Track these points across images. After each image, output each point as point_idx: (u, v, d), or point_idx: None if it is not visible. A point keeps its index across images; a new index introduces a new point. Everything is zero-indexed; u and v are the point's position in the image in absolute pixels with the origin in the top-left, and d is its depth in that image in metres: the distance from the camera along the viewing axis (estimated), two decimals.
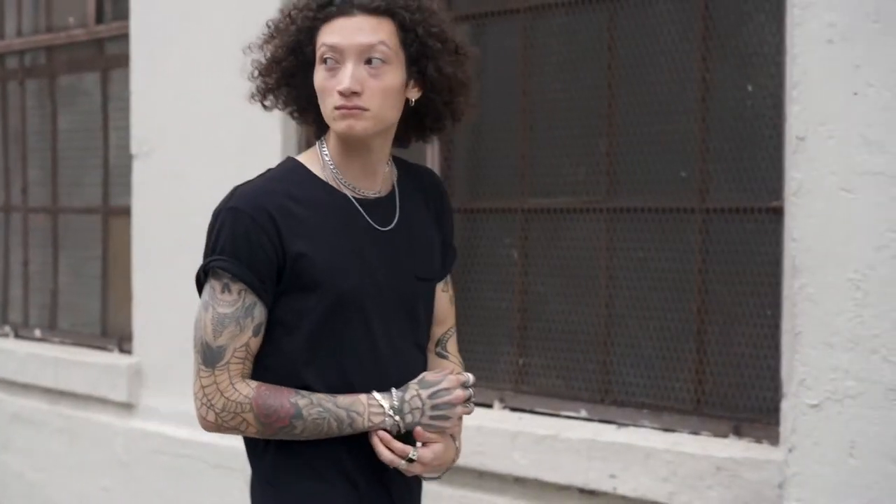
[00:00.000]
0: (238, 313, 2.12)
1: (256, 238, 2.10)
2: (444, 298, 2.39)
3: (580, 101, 4.00)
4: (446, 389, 2.19)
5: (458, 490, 4.07)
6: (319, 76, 2.17)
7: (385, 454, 2.15)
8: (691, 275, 3.74)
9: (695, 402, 3.73)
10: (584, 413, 3.94)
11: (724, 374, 3.68)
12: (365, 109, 2.13)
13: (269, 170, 2.25)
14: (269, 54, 2.24)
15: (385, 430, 2.15)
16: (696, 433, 3.68)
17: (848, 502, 3.11)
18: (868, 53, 3.05)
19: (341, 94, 2.12)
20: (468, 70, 2.25)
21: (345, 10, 2.15)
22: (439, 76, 2.19)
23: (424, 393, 2.18)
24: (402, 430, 2.16)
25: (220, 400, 2.12)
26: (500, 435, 3.98)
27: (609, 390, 3.93)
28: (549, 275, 4.11)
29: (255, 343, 2.15)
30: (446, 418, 2.19)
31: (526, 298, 4.15)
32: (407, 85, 2.19)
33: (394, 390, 2.17)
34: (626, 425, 3.83)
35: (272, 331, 2.15)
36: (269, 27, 2.26)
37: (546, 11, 4.08)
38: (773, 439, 3.43)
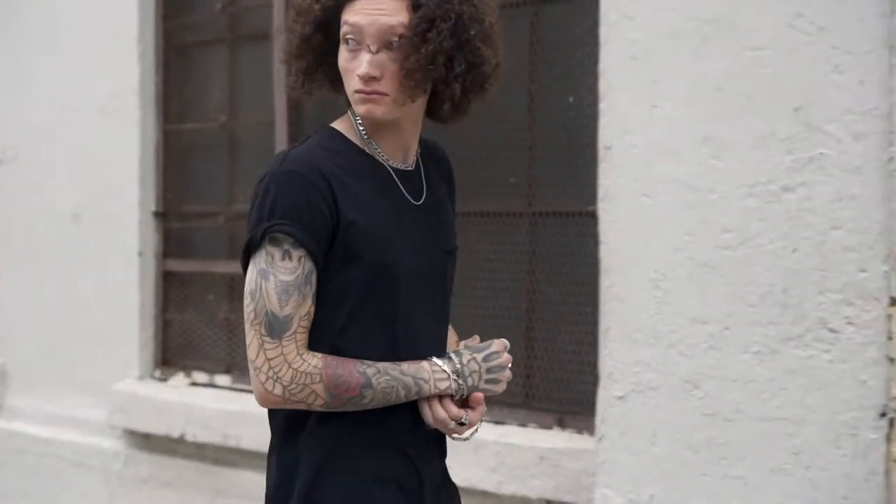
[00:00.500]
0: (299, 281, 2.01)
1: (316, 202, 1.99)
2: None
3: None
4: (496, 353, 2.15)
5: None
6: (342, 56, 2.09)
7: (442, 414, 2.09)
8: (521, 275, 3.95)
9: (523, 395, 3.93)
10: None
11: (550, 369, 3.89)
12: (384, 94, 2.05)
13: (310, 137, 2.13)
14: (296, 35, 2.13)
15: (449, 395, 2.09)
16: (524, 425, 3.89)
17: (650, 488, 3.34)
18: (665, 69, 3.28)
19: (360, 78, 2.05)
20: (487, 56, 2.11)
21: None
22: (456, 56, 2.07)
23: (479, 356, 2.13)
24: (465, 395, 2.11)
25: (287, 372, 2.01)
26: None
27: None
28: None
29: (314, 311, 2.04)
30: (498, 381, 2.16)
31: None
32: (423, 63, 2.05)
33: (452, 354, 2.12)
34: None
35: (321, 301, 2.05)
36: (293, 8, 2.15)
37: None
38: (592, 430, 3.64)
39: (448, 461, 3.78)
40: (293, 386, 2.01)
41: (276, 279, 2.00)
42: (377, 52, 2.04)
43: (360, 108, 2.09)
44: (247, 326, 2.02)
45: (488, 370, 2.14)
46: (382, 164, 2.12)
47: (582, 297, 3.76)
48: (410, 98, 2.07)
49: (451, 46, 2.04)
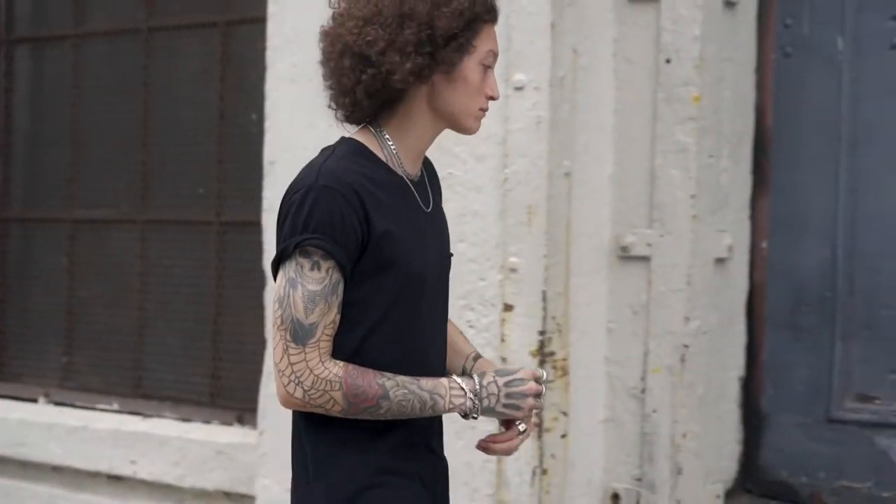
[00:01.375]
0: (326, 290, 2.05)
1: (348, 217, 2.03)
2: None
3: (120, 122, 4.40)
4: (521, 380, 2.15)
5: (3, 480, 4.38)
6: (478, 75, 2.15)
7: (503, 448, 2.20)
8: (210, 281, 4.19)
9: (209, 395, 4.18)
10: (116, 406, 4.33)
11: (235, 369, 4.14)
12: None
13: (335, 148, 2.17)
14: (441, 25, 2.07)
15: (463, 413, 2.12)
16: (208, 422, 4.13)
17: None
18: (320, 92, 3.55)
19: (490, 99, 2.17)
20: None
21: (496, 19, 2.19)
22: None
23: (501, 380, 2.14)
24: (479, 415, 2.13)
25: (309, 377, 2.04)
26: (39, 427, 4.32)
27: (139, 385, 4.34)
28: (93, 281, 4.48)
29: (339, 321, 2.08)
30: (518, 408, 2.15)
31: (72, 302, 4.51)
32: None
33: (474, 375, 2.15)
34: (151, 416, 4.24)
35: (344, 311, 2.08)
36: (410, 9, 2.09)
37: (92, 39, 4.47)
38: None
39: (137, 455, 4.03)
40: (313, 391, 2.03)
41: (304, 288, 2.04)
42: None
43: (475, 125, 2.19)
44: (273, 330, 2.07)
45: (507, 395, 2.14)
46: (402, 175, 2.16)
47: (262, 301, 4.02)
48: None
49: None
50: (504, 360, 3.30)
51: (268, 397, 3.68)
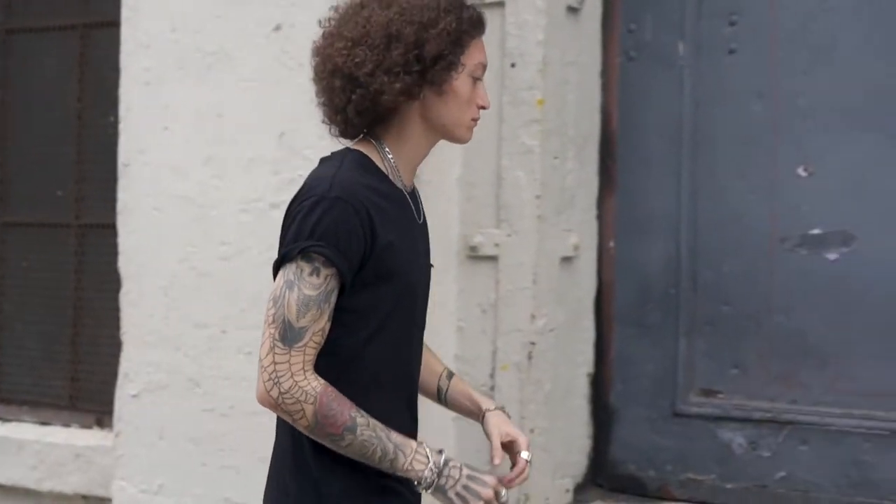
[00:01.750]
0: (321, 297, 2.06)
1: (355, 228, 2.07)
2: None
3: None
4: (484, 483, 2.13)
5: None
6: (468, 87, 2.20)
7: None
8: (68, 283, 4.17)
9: (68, 398, 4.16)
10: None
11: (94, 372, 4.14)
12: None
13: (343, 160, 2.18)
14: (428, 46, 2.12)
15: (417, 479, 2.10)
16: (67, 425, 4.11)
17: (160, 478, 3.63)
18: (175, 95, 3.59)
19: (481, 108, 2.24)
20: None
21: (483, 32, 2.26)
22: None
23: (465, 472, 2.14)
24: (428, 490, 2.11)
25: (288, 381, 2.05)
26: None
27: None
28: None
29: (328, 328, 2.09)
30: (465, 500, 2.13)
31: None
32: None
33: (444, 452, 2.14)
34: (9, 420, 4.20)
35: (342, 316, 2.10)
36: (413, 18, 2.14)
37: None
38: None
39: None
40: (288, 396, 2.03)
41: (300, 292, 2.06)
42: None
43: (467, 135, 2.26)
44: (264, 327, 2.08)
45: (465, 487, 2.13)
46: (400, 187, 2.21)
47: (119, 304, 4.01)
48: None
49: None
50: None
51: (123, 399, 3.69)
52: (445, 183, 3.47)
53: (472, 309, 3.49)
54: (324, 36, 2.19)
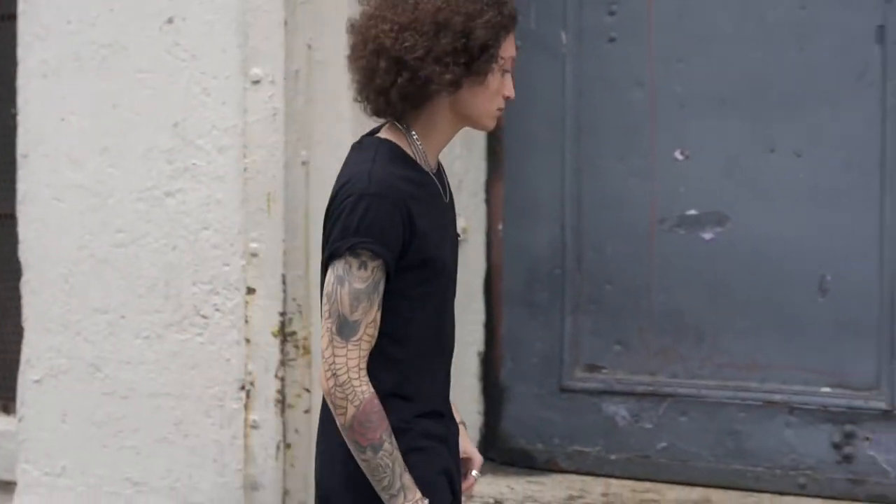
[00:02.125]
0: (370, 288, 2.19)
1: (396, 222, 2.18)
2: None
3: None
4: None
5: None
6: (498, 80, 2.29)
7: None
8: None
9: None
10: None
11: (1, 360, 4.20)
12: None
13: (376, 152, 2.26)
14: (475, 36, 2.21)
15: None
16: None
17: (62, 461, 3.72)
18: (72, 86, 3.67)
19: (507, 99, 2.32)
20: None
21: (515, 27, 2.34)
22: None
23: None
24: None
25: (344, 376, 2.18)
26: None
27: None
28: None
29: (379, 318, 2.22)
30: None
31: None
32: None
33: None
34: None
35: (392, 298, 2.22)
36: (460, 9, 2.21)
37: None
38: None
39: None
40: (339, 390, 2.17)
41: (351, 286, 2.19)
42: None
43: (492, 123, 2.36)
44: (322, 321, 2.23)
45: None
46: (428, 171, 2.30)
47: (20, 293, 4.08)
48: None
49: None
50: (248, 341, 3.45)
51: (26, 385, 3.77)
52: (335, 169, 3.53)
53: None
54: (365, 15, 2.24)
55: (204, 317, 3.52)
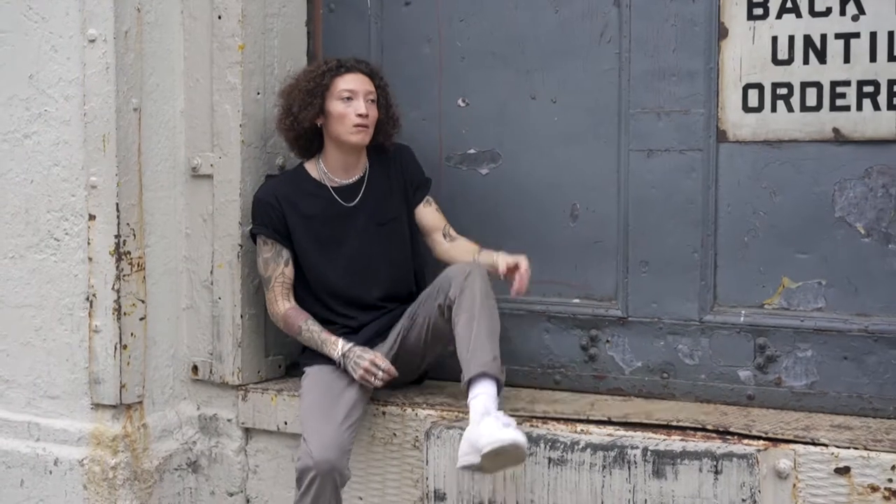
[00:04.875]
0: (272, 256, 3.93)
1: (272, 212, 3.91)
2: (428, 212, 3.99)
3: None
4: (364, 358, 3.78)
5: None
6: (341, 107, 3.84)
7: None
8: None
9: None
10: None
11: None
12: (368, 127, 3.83)
13: (285, 174, 4.08)
14: (308, 112, 3.89)
15: (334, 356, 3.83)
16: None
17: None
18: None
19: (360, 116, 3.80)
20: (399, 115, 4.01)
21: (352, 69, 3.87)
22: (389, 115, 3.94)
23: (357, 351, 3.80)
24: (340, 363, 3.82)
25: (271, 308, 3.96)
26: None
27: None
28: None
29: (290, 271, 3.94)
30: (356, 366, 3.77)
31: None
32: (380, 115, 3.90)
33: (351, 345, 3.83)
34: None
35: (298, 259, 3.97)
36: (285, 105, 3.96)
37: None
38: None
39: None
40: (274, 317, 3.97)
41: (262, 257, 3.97)
42: (364, 103, 3.86)
43: (354, 138, 3.86)
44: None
45: (357, 357, 3.77)
46: (325, 184, 3.91)
47: None
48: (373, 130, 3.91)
49: (386, 104, 3.96)
50: (90, 259, 4.09)
51: None
52: (169, 115, 4.22)
53: (195, 218, 4.26)
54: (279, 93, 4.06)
55: (56, 239, 4.16)
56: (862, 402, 3.64)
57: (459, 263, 3.76)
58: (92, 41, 4.02)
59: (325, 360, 3.82)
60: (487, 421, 3.27)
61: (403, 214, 4.00)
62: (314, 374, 3.81)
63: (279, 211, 3.87)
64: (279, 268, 3.90)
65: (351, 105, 3.80)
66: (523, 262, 3.69)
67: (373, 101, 3.86)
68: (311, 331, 3.83)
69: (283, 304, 3.90)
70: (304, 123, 3.84)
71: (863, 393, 3.64)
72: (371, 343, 3.85)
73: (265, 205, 3.90)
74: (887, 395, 3.61)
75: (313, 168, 3.92)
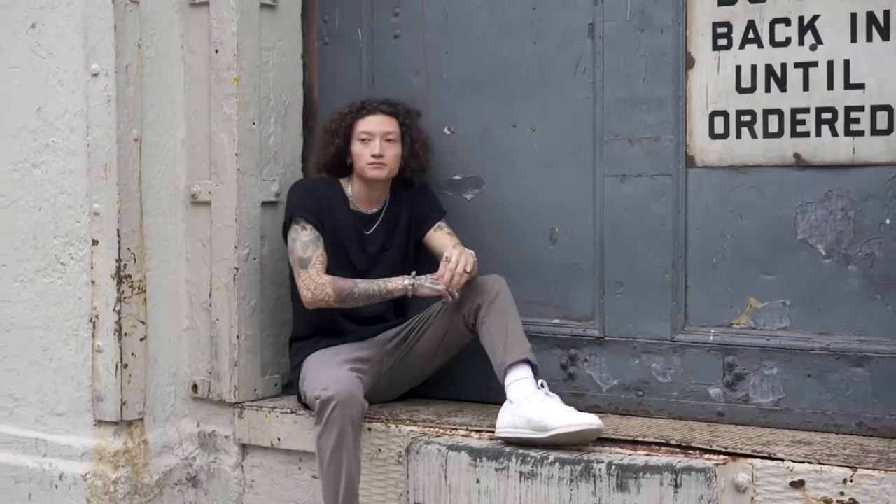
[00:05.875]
0: (312, 239, 4.08)
1: (318, 202, 4.15)
2: (438, 236, 4.17)
3: None
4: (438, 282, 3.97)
5: None
6: (359, 147, 4.13)
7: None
8: None
9: None
10: None
11: None
12: (385, 164, 4.09)
13: (324, 178, 4.28)
14: (328, 150, 4.23)
15: (405, 286, 4.02)
16: None
17: None
18: None
19: (374, 156, 4.07)
20: (428, 150, 4.25)
21: (372, 111, 4.13)
22: (413, 152, 4.17)
23: (429, 277, 4.01)
24: (411, 289, 4.02)
25: (312, 284, 4.01)
26: None
27: None
28: None
29: (325, 257, 4.08)
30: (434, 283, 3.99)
31: None
32: (403, 152, 4.14)
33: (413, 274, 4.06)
34: None
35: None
36: (325, 130, 4.25)
37: None
38: None
39: None
40: (317, 290, 4.02)
41: (300, 240, 4.09)
42: (381, 142, 4.13)
43: (371, 174, 4.14)
44: (294, 272, 4.13)
45: (431, 280, 3.99)
46: (353, 208, 4.21)
47: None
48: (394, 167, 4.17)
49: (412, 142, 4.19)
50: (93, 282, 4.30)
51: None
52: (170, 145, 4.43)
53: (195, 243, 4.47)
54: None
55: (62, 264, 4.38)
56: (825, 419, 3.76)
57: (486, 277, 3.99)
58: (95, 75, 4.24)
59: (325, 346, 4.13)
60: (551, 403, 3.73)
61: (405, 244, 4.24)
62: (314, 355, 4.11)
63: (321, 204, 4.11)
64: (318, 250, 4.06)
65: (367, 146, 4.09)
66: (455, 256, 3.91)
67: (391, 140, 4.11)
68: (366, 282, 4.02)
69: (325, 276, 4.03)
70: (331, 164, 4.21)
71: (826, 409, 3.75)
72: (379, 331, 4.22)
73: (312, 192, 4.14)
74: (849, 411, 3.73)
75: (347, 188, 4.22)
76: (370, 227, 4.18)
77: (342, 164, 4.20)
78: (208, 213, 4.43)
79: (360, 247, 4.16)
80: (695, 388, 3.95)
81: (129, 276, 4.29)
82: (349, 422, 3.73)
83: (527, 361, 3.80)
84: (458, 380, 4.32)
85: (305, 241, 4.05)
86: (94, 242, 4.29)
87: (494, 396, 4.08)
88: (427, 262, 4.17)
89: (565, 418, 3.64)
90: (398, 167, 4.16)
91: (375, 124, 4.09)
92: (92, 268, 4.30)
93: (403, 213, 4.22)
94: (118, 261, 4.26)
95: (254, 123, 4.41)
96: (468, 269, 3.87)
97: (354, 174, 4.18)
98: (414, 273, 4.01)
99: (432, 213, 4.23)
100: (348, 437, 3.73)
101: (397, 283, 4.00)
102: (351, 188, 4.20)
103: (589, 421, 3.61)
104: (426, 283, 3.97)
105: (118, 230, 4.25)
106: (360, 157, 4.10)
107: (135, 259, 4.31)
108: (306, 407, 4.19)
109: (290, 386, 4.51)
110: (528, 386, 3.75)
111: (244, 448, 4.41)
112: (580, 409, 4.06)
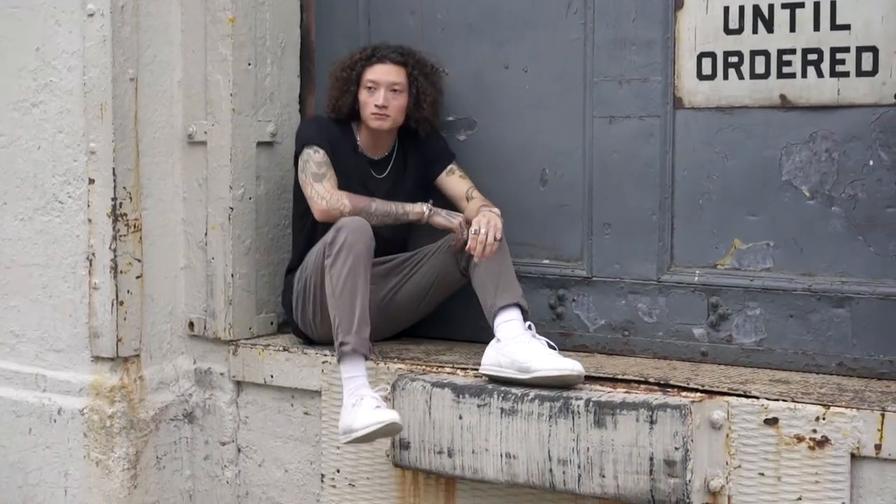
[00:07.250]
0: (325, 161, 4.13)
1: (329, 135, 4.18)
2: (451, 180, 4.20)
3: None
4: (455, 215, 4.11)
5: None
6: (365, 95, 4.13)
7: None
8: None
9: None
10: None
11: None
12: (387, 116, 4.10)
13: (332, 118, 4.26)
14: (346, 98, 4.19)
15: (421, 212, 4.08)
16: None
17: None
18: None
19: (377, 106, 4.07)
20: (436, 107, 4.22)
21: (381, 59, 4.13)
22: (418, 104, 4.15)
23: (444, 211, 4.12)
24: (425, 215, 4.09)
25: (328, 194, 4.04)
26: None
27: None
28: None
29: (335, 177, 4.10)
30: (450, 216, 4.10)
31: None
32: (408, 104, 4.13)
33: (430, 202, 4.14)
34: None
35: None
36: (329, 91, 4.26)
37: None
38: None
39: None
40: (332, 199, 4.07)
41: (313, 161, 4.12)
42: (386, 93, 4.11)
43: (374, 123, 4.14)
44: (307, 187, 4.13)
45: (448, 212, 4.11)
46: (363, 153, 4.23)
47: None
48: (398, 118, 4.16)
49: (420, 94, 4.16)
50: (90, 221, 4.36)
51: None
52: (167, 85, 4.48)
53: (191, 183, 4.52)
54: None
55: (60, 202, 4.44)
56: (806, 359, 3.77)
57: (476, 218, 3.97)
58: (91, 15, 4.28)
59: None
60: (537, 345, 3.75)
61: (413, 190, 4.24)
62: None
63: (331, 138, 4.14)
64: (331, 170, 4.09)
65: (373, 95, 4.10)
66: (484, 225, 3.87)
67: (397, 90, 4.11)
68: (383, 202, 4.08)
69: (339, 191, 4.07)
70: (343, 110, 4.19)
71: (807, 350, 3.77)
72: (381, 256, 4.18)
73: (325, 123, 4.21)
74: (829, 351, 3.74)
75: (356, 132, 4.24)
76: (378, 172, 4.21)
77: (353, 109, 4.20)
78: (204, 153, 4.47)
79: (368, 191, 4.17)
80: (679, 328, 3.97)
81: (125, 214, 4.35)
82: (362, 249, 3.82)
83: (517, 305, 3.83)
84: (450, 319, 4.36)
85: (319, 161, 4.09)
86: (91, 181, 4.34)
87: (485, 336, 4.11)
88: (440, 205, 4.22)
89: (548, 362, 3.67)
90: (403, 118, 4.18)
91: (382, 73, 4.09)
92: (89, 206, 4.36)
93: (411, 159, 4.24)
94: (114, 199, 4.32)
95: (249, 64, 4.44)
96: (497, 237, 3.88)
97: (362, 122, 4.21)
98: (431, 201, 4.06)
99: (442, 157, 4.26)
100: (360, 263, 3.82)
101: (414, 207, 4.05)
102: (359, 133, 4.22)
103: (570, 367, 3.62)
104: (442, 213, 4.04)
105: (114, 169, 4.31)
106: (365, 106, 4.13)
107: (131, 198, 4.36)
108: (304, 339, 4.26)
109: (285, 325, 4.56)
110: (516, 327, 3.78)
111: (238, 385, 4.48)
112: (567, 349, 4.11)
